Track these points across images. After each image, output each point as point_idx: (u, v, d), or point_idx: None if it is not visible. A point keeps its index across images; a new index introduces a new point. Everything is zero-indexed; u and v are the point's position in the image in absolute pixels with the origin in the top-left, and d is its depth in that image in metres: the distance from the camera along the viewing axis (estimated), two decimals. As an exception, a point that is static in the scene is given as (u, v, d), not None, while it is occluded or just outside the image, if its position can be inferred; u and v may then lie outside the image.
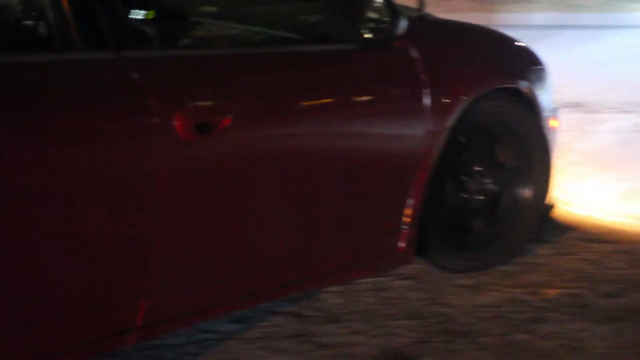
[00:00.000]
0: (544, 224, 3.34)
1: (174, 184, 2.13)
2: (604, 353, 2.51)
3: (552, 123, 3.22)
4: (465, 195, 3.02)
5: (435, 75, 2.74)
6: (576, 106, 5.96)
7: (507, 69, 3.10)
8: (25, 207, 1.90)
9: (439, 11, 4.48)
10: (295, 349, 2.51)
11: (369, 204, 2.70)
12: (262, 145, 2.34)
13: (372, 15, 2.60)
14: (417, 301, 2.83)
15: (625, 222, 3.70)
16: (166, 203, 2.13)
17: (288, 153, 2.41)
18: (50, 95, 1.94)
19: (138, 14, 2.64)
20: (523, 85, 3.05)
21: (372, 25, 2.58)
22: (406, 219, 2.75)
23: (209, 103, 2.23)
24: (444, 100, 2.76)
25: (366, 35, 2.57)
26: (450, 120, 2.78)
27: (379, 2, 2.59)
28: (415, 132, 2.71)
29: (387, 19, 2.57)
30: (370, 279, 2.95)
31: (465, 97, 2.84)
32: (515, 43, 3.29)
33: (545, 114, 3.16)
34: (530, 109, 3.11)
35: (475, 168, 3.03)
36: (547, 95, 3.20)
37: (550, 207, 3.32)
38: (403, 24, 2.60)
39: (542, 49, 3.45)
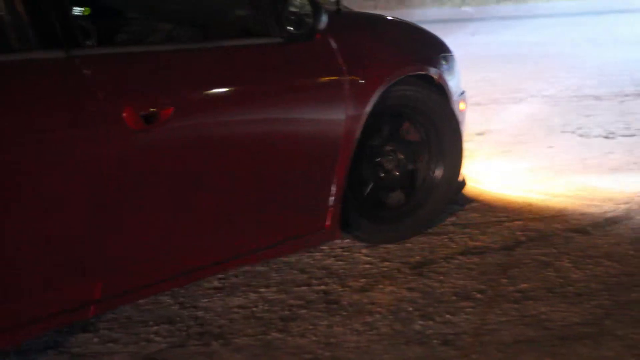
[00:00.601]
0: (454, 200, 3.59)
1: (124, 168, 2.33)
2: (358, 347, 2.53)
3: (460, 106, 3.49)
4: (382, 174, 3.26)
5: (353, 64, 2.95)
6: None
7: (418, 57, 3.32)
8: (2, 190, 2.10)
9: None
10: (50, 361, 2.50)
11: (298, 185, 2.89)
12: (201, 132, 2.53)
13: (294, 9, 2.77)
14: (172, 306, 2.82)
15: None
16: (117, 186, 2.33)
17: (223, 139, 2.59)
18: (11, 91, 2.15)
19: (75, 12, 2.74)
20: (433, 71, 3.29)
21: (294, 19, 2.76)
22: (331, 198, 2.96)
23: (153, 95, 2.40)
24: (361, 87, 2.97)
25: (289, 29, 2.77)
26: (369, 106, 2.99)
27: None
28: (338, 117, 2.91)
29: (308, 12, 2.76)
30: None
31: (380, 84, 3.04)
32: (425, 33, 3.53)
33: (454, 97, 3.42)
34: (440, 93, 3.35)
35: (390, 148, 3.26)
36: (455, 81, 3.46)
37: (461, 185, 3.57)
38: (324, 19, 2.81)
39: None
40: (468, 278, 2.98)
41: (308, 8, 2.78)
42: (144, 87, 2.40)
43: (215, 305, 2.82)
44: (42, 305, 2.30)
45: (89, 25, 2.61)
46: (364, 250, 3.24)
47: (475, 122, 5.18)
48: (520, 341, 2.52)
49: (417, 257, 3.18)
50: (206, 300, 2.86)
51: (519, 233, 3.38)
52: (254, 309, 2.80)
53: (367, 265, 3.13)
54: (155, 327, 2.68)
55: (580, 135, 5.14)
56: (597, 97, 6.33)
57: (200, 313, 2.77)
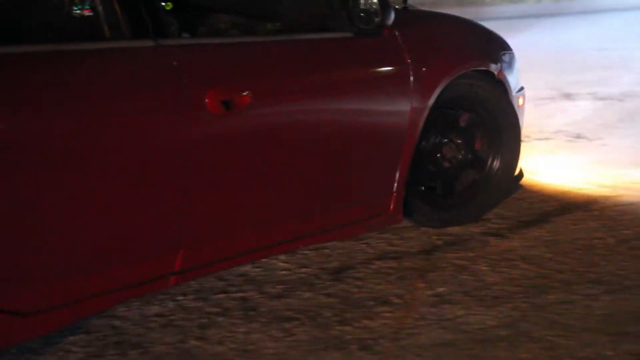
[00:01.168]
0: (511, 190, 3.73)
1: (205, 149, 2.56)
2: (276, 353, 2.53)
3: (519, 101, 3.65)
4: (443, 163, 3.44)
5: (418, 59, 3.14)
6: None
7: (479, 53, 3.49)
8: (94, 167, 2.33)
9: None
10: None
11: (365, 171, 3.12)
12: (276, 118, 2.75)
13: (363, 6, 2.98)
14: (89, 315, 2.70)
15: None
16: (200, 165, 2.55)
17: (296, 126, 2.81)
18: (109, 77, 2.40)
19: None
20: (493, 67, 3.46)
21: (364, 15, 2.98)
22: (395, 184, 3.18)
23: (232, 84, 2.60)
24: (425, 80, 3.16)
25: (360, 25, 2.99)
26: (432, 99, 3.20)
27: None
28: (403, 108, 3.12)
29: (377, 9, 2.99)
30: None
31: (443, 78, 3.24)
32: (487, 31, 3.67)
33: (513, 93, 3.58)
34: (500, 88, 3.52)
35: (451, 139, 3.44)
36: (514, 77, 3.61)
37: (518, 176, 3.74)
38: (392, 15, 3.03)
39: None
40: (386, 283, 2.98)
41: (377, 5, 2.99)
42: (225, 76, 2.60)
43: (132, 314, 2.79)
44: (133, 274, 2.50)
45: (172, 18, 2.83)
46: (281, 257, 3.22)
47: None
48: (438, 344, 2.54)
49: (335, 263, 3.16)
50: (124, 309, 2.81)
51: (435, 237, 3.39)
52: (172, 317, 2.76)
53: (285, 272, 3.10)
54: (73, 337, 2.63)
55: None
56: None
57: (117, 322, 2.73)
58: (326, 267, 3.14)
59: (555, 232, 3.46)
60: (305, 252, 3.28)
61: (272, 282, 3.02)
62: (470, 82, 3.43)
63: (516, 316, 2.72)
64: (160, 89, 2.45)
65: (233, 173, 2.68)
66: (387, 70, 3.13)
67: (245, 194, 2.74)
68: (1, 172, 2.16)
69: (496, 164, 3.58)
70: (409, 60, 3.13)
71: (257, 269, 3.14)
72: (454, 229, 3.47)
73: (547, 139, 5.34)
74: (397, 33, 3.16)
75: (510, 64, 3.61)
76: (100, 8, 2.44)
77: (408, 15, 3.37)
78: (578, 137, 5.36)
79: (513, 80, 3.62)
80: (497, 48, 3.61)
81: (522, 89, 3.75)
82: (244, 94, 2.61)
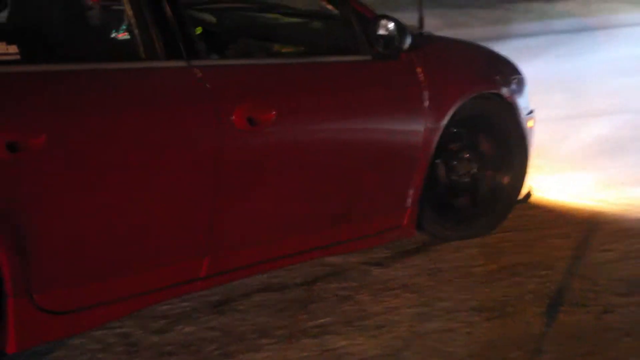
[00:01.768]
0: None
1: (231, 162, 2.68)
2: None
3: (529, 123, 3.81)
4: (454, 179, 3.58)
5: (433, 81, 3.29)
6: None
7: (491, 77, 3.67)
8: (135, 176, 2.48)
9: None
10: None
11: (381, 187, 3.23)
12: (298, 135, 2.89)
13: (382, 32, 3.13)
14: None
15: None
16: (227, 176, 2.68)
17: (316, 143, 2.95)
18: (144, 94, 2.55)
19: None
20: (504, 90, 3.64)
21: (382, 39, 3.12)
22: (409, 199, 3.31)
23: (258, 102, 2.74)
24: (439, 102, 3.32)
25: (378, 49, 3.14)
26: (445, 120, 3.35)
27: (387, 21, 3.13)
28: (418, 128, 3.27)
29: (394, 34, 3.11)
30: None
31: (456, 100, 3.40)
32: (498, 56, 3.87)
33: (523, 115, 3.75)
34: (510, 110, 3.69)
35: (463, 157, 3.58)
36: (524, 100, 3.78)
37: (527, 195, 3.91)
38: (409, 40, 3.17)
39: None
40: (268, 315, 2.96)
41: (395, 30, 3.13)
42: (251, 95, 2.74)
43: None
44: (162, 278, 2.64)
45: (202, 41, 2.98)
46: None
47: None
48: (321, 375, 2.53)
49: (217, 296, 3.08)
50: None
51: (318, 268, 3.34)
52: (54, 354, 2.68)
53: (167, 307, 2.98)
54: None
55: None
56: None
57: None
58: (208, 300, 3.07)
59: (437, 260, 3.48)
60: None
61: (153, 317, 2.93)
62: (482, 104, 3.58)
63: (398, 345, 2.74)
64: (193, 105, 2.61)
65: (257, 185, 2.81)
66: (403, 92, 3.27)
67: (268, 205, 2.87)
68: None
69: (506, 180, 3.71)
70: (424, 83, 3.28)
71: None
72: (336, 259, 3.39)
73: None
74: (413, 57, 3.30)
75: (520, 87, 3.77)
76: (137, 32, 2.61)
77: (424, 40, 3.51)
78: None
79: (523, 102, 3.78)
80: (507, 72, 3.77)
81: (531, 111, 3.90)
82: (269, 111, 2.74)
